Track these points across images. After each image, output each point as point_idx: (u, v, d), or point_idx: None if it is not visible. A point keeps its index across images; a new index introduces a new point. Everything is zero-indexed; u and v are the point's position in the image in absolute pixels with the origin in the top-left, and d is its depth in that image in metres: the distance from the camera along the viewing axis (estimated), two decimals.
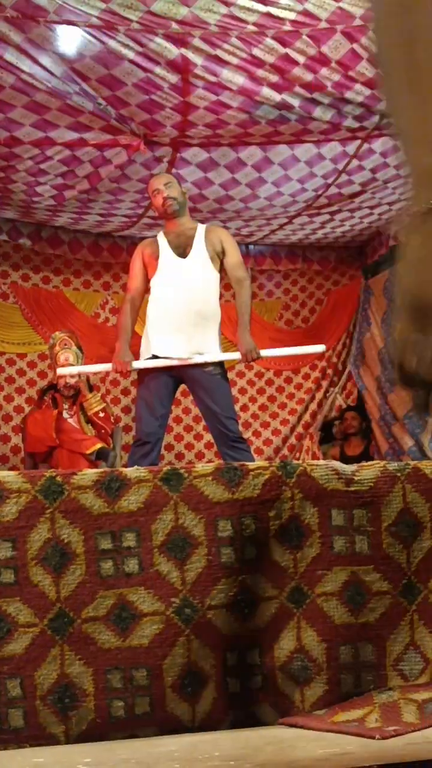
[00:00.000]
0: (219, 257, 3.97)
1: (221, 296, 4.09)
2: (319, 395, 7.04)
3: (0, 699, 1.97)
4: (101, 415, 5.28)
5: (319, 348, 4.51)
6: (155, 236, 4.11)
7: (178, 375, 3.89)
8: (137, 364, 3.88)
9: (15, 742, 1.95)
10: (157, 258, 3.96)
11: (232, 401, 4.06)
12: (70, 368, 4.81)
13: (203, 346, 3.85)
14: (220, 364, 3.91)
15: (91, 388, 5.45)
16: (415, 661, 2.18)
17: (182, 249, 3.94)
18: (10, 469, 6.00)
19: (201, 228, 4.03)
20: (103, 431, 5.24)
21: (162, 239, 4.01)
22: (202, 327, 3.87)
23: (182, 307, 3.84)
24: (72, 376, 5.12)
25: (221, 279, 4.05)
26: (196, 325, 3.85)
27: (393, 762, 1.62)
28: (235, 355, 3.96)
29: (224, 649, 2.09)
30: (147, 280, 4.02)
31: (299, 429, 6.94)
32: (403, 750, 1.71)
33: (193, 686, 2.05)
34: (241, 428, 4.33)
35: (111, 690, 2.02)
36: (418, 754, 1.67)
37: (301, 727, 1.98)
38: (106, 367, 4.10)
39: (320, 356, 6.95)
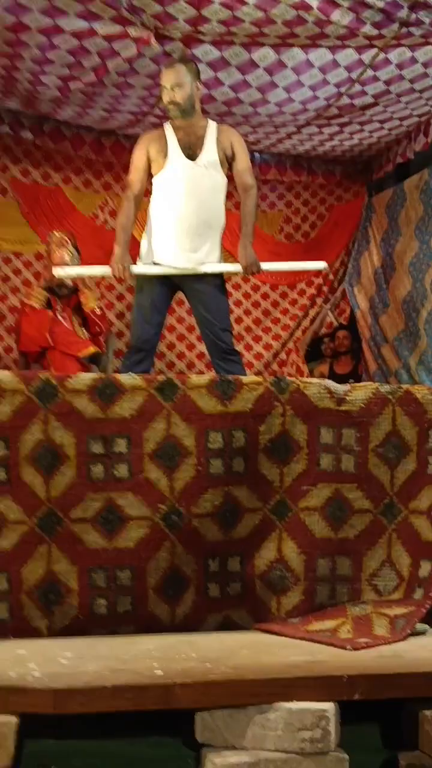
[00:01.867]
0: (228, 161, 3.78)
1: None
2: (312, 312, 6.99)
3: None
4: (98, 312, 5.23)
5: (321, 264, 4.42)
6: (162, 128, 3.85)
7: (177, 283, 3.83)
8: (136, 269, 3.80)
9: None
10: (165, 156, 3.73)
11: (229, 313, 4.01)
12: (67, 269, 4.70)
13: (206, 256, 3.76)
14: (219, 275, 3.85)
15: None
16: (390, 578, 2.25)
17: (192, 150, 3.72)
18: (3, 368, 5.99)
19: (212, 127, 3.79)
20: (97, 329, 5.18)
21: (170, 134, 3.76)
22: (206, 236, 3.75)
23: (189, 213, 3.69)
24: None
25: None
26: (201, 234, 3.74)
27: (362, 673, 1.69)
28: (236, 267, 3.84)
29: (207, 556, 2.15)
30: (150, 177, 3.84)
31: (290, 345, 6.94)
32: (373, 662, 1.79)
33: (174, 589, 2.12)
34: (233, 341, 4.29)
35: (95, 588, 2.08)
36: (387, 667, 1.74)
37: (276, 633, 2.06)
38: (104, 269, 3.95)
39: (317, 273, 6.87)
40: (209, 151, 3.74)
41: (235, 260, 3.93)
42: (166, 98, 3.73)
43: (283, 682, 1.66)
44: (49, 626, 2.05)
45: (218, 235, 3.82)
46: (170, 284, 3.83)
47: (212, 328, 3.81)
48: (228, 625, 2.15)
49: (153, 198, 3.83)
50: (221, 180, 3.79)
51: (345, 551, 2.24)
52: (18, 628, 2.03)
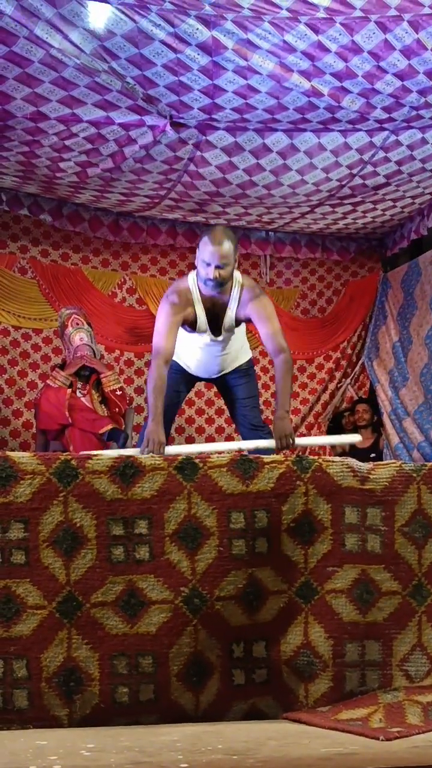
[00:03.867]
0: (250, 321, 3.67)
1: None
2: (331, 386, 7.02)
3: (5, 679, 1.98)
4: (118, 393, 5.28)
5: (356, 438, 4.31)
6: (188, 289, 3.53)
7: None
8: (171, 450, 3.43)
9: (19, 722, 1.96)
10: (192, 327, 3.55)
11: (258, 395, 4.00)
12: (108, 452, 4.41)
13: (233, 365, 3.83)
14: (248, 364, 3.85)
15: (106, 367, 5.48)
16: (421, 663, 2.18)
17: (217, 320, 3.57)
18: (21, 444, 6.01)
19: (236, 291, 3.52)
20: (117, 410, 5.23)
21: (198, 303, 3.51)
22: (234, 360, 3.83)
23: (214, 363, 3.78)
24: (87, 356, 5.16)
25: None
26: (228, 363, 3.82)
27: (397, 766, 1.61)
28: (269, 443, 3.49)
29: (231, 641, 2.09)
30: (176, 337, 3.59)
31: (310, 419, 6.93)
32: (407, 753, 1.70)
33: (198, 676, 2.06)
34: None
35: (116, 675, 2.02)
36: (422, 758, 1.66)
37: (305, 723, 1.98)
38: (135, 452, 3.41)
39: (335, 347, 6.98)
40: (231, 322, 3.61)
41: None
42: (208, 274, 3.39)
43: None
44: (70, 715, 1.99)
45: (243, 347, 3.87)
46: (197, 378, 3.92)
47: (243, 410, 3.85)
48: (254, 714, 2.08)
49: (180, 338, 3.65)
50: (242, 327, 3.74)
51: (374, 635, 2.17)
52: (38, 718, 1.97)
